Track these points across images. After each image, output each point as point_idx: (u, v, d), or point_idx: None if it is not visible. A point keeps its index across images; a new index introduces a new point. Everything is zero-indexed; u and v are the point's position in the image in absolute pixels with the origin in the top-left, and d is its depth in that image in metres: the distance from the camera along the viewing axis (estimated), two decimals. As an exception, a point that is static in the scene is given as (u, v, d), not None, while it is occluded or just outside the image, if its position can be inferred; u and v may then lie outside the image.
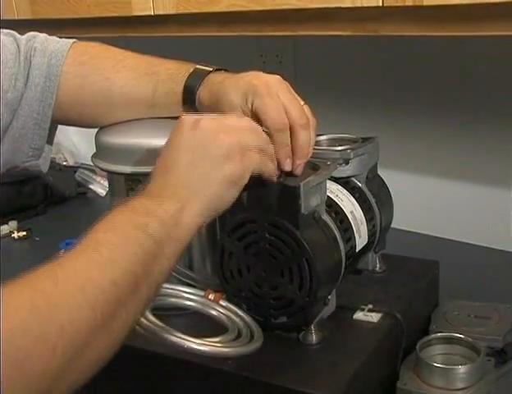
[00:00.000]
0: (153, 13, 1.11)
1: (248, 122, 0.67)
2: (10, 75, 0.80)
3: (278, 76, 0.74)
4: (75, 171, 1.67)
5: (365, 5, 0.86)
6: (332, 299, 0.79)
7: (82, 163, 1.76)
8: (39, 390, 0.48)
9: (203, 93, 0.78)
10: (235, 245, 0.76)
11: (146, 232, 0.57)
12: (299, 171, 0.72)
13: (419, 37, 0.86)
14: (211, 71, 0.78)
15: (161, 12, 1.10)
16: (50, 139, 0.87)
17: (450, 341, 0.81)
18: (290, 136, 0.71)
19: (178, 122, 0.66)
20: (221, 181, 0.63)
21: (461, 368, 0.76)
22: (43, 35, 0.86)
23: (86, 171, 1.67)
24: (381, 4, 0.84)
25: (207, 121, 0.65)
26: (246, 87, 0.72)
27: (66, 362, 0.49)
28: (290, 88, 0.73)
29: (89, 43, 0.87)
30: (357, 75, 1.29)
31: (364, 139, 0.87)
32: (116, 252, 0.55)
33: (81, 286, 0.52)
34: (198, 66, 0.79)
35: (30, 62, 0.82)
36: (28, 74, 0.81)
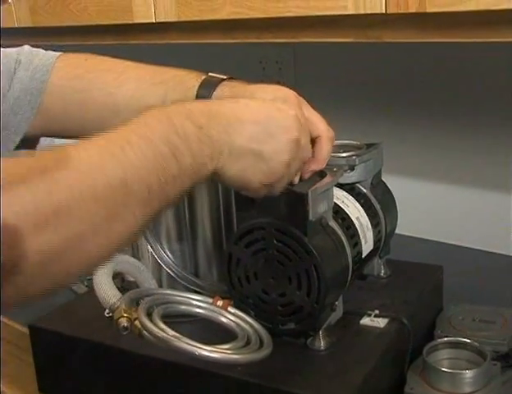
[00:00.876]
0: (154, 21, 1.12)
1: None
2: None
3: (293, 92, 0.73)
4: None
5: (368, 12, 0.86)
6: (339, 305, 0.79)
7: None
8: (32, 264, 0.48)
9: (218, 97, 0.75)
10: (242, 252, 0.76)
11: (174, 155, 0.56)
12: (307, 176, 0.73)
13: (421, 43, 0.87)
14: (224, 79, 0.76)
15: (162, 20, 1.10)
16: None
17: (456, 345, 0.82)
18: (316, 146, 0.72)
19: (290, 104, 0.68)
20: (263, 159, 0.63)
21: (468, 373, 0.76)
22: (27, 48, 0.83)
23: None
24: (384, 11, 0.85)
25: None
26: (276, 94, 0.72)
27: (59, 243, 0.49)
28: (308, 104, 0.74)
29: (79, 55, 0.83)
30: (357, 82, 1.30)
31: (368, 146, 0.88)
32: (137, 157, 0.53)
33: (89, 174, 0.51)
34: (210, 74, 0.77)
35: (12, 78, 0.79)
36: (10, 86, 0.78)
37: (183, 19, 1.08)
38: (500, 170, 1.16)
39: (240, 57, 1.35)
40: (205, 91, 0.75)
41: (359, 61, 1.27)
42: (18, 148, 0.81)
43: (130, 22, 1.14)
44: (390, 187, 0.93)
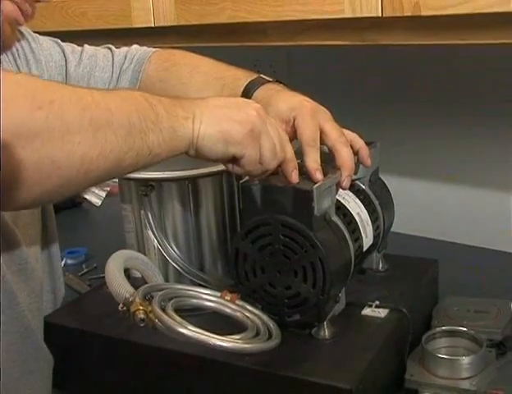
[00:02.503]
0: (153, 25, 1.14)
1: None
2: (105, 79, 0.97)
3: (324, 108, 0.82)
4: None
5: (365, 15, 0.90)
6: (342, 296, 0.83)
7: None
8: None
9: (257, 94, 0.86)
10: (249, 247, 0.79)
11: (151, 105, 0.64)
12: (345, 184, 0.79)
13: (417, 45, 0.90)
14: (270, 81, 0.88)
15: (162, 24, 1.13)
16: None
17: (453, 334, 0.85)
18: (335, 154, 0.79)
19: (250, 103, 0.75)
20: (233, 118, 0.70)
21: (465, 359, 0.80)
22: (134, 47, 1.02)
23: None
24: (380, 15, 0.88)
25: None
26: (296, 104, 0.81)
27: (47, 128, 0.55)
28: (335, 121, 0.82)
29: (171, 51, 1.01)
30: (351, 83, 1.33)
31: (366, 144, 0.91)
32: (119, 97, 0.63)
33: (79, 89, 0.61)
34: (261, 75, 0.89)
35: (120, 69, 0.98)
36: (118, 78, 0.97)
37: (182, 23, 1.11)
38: (498, 167, 1.19)
39: (234, 61, 1.37)
40: (250, 88, 0.87)
41: (353, 63, 1.30)
42: None
43: (130, 27, 1.17)
44: (388, 185, 0.96)
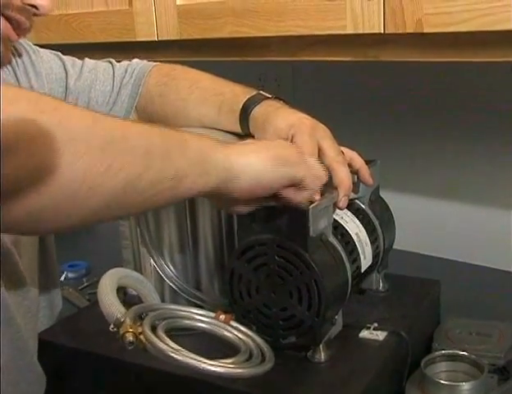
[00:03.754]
0: (156, 39, 1.14)
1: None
2: (106, 92, 0.96)
3: (324, 126, 0.81)
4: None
5: (367, 32, 0.88)
6: (339, 318, 0.81)
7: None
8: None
9: (256, 112, 0.84)
10: (244, 267, 0.78)
11: (179, 132, 0.64)
12: (342, 204, 0.77)
13: (419, 62, 0.89)
14: (269, 98, 0.86)
15: (165, 38, 1.12)
16: None
17: (453, 358, 0.83)
18: (332, 173, 0.77)
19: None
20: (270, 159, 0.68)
21: (466, 385, 0.78)
22: (135, 61, 1.01)
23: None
24: (382, 31, 0.87)
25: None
26: (295, 121, 0.79)
27: (48, 132, 0.51)
28: (334, 141, 0.80)
29: (172, 66, 0.99)
30: (355, 100, 1.32)
31: (366, 162, 0.90)
32: (143, 127, 0.60)
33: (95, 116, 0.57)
34: (260, 92, 0.87)
35: (121, 83, 0.97)
36: (118, 92, 0.96)
37: (185, 37, 1.10)
38: (500, 185, 1.18)
39: (239, 75, 1.36)
40: (249, 105, 0.85)
41: (357, 79, 1.29)
42: None
43: (133, 40, 1.17)
44: (388, 203, 0.95)
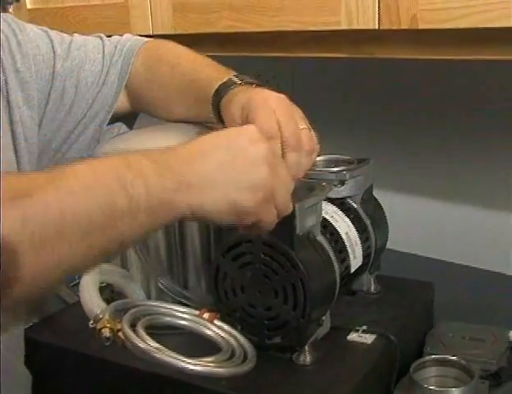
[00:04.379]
0: (151, 33, 1.12)
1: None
2: (95, 73, 0.89)
3: (286, 99, 0.73)
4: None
5: (361, 27, 0.87)
6: (326, 320, 0.79)
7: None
8: None
9: (224, 103, 0.78)
10: (229, 265, 0.76)
11: (126, 189, 0.54)
12: None
13: (417, 60, 0.87)
14: (239, 84, 0.78)
15: (160, 32, 1.11)
16: (130, 127, 0.95)
17: (443, 363, 0.81)
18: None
19: (244, 130, 0.64)
20: (241, 188, 0.60)
21: (455, 391, 0.76)
22: (125, 37, 0.95)
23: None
24: (377, 27, 0.85)
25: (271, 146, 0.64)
26: (244, 101, 0.72)
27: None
28: (295, 111, 0.72)
29: (158, 45, 0.94)
30: (355, 97, 1.30)
31: (360, 161, 0.88)
32: (80, 189, 0.53)
33: (39, 201, 0.51)
34: (231, 77, 0.80)
35: (110, 61, 0.91)
36: (108, 72, 0.90)
37: (179, 32, 1.09)
38: (497, 186, 1.16)
39: (238, 71, 1.35)
40: (220, 93, 0.78)
41: (356, 77, 1.27)
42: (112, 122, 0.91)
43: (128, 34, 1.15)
44: (384, 202, 0.93)
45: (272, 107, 0.70)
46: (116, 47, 0.93)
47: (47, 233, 0.51)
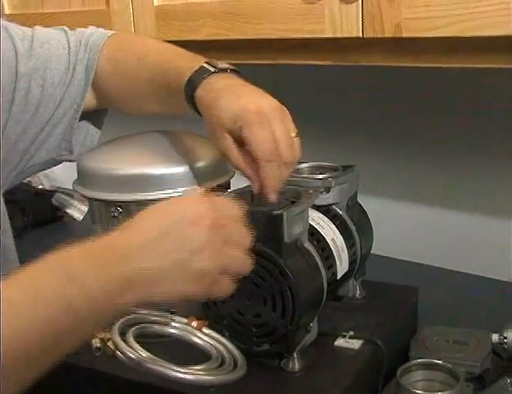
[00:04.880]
0: (134, 40, 1.12)
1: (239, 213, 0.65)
2: (61, 72, 0.85)
3: (277, 104, 0.73)
4: (52, 196, 1.65)
5: (345, 36, 0.88)
6: (314, 326, 0.80)
7: (58, 187, 1.75)
8: None
9: (200, 93, 0.76)
10: (218, 273, 0.76)
11: (69, 308, 0.52)
12: (270, 191, 0.72)
13: (398, 67, 0.88)
14: (213, 72, 0.77)
15: (142, 39, 1.11)
16: (100, 125, 0.92)
17: (429, 367, 0.82)
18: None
19: (183, 211, 0.62)
20: (185, 277, 0.60)
21: (442, 395, 0.77)
22: (89, 30, 0.91)
23: (63, 196, 1.65)
24: (361, 35, 0.86)
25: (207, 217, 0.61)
26: (237, 111, 0.71)
27: None
28: (286, 118, 0.73)
29: (123, 38, 0.92)
30: (337, 103, 1.31)
31: (344, 168, 0.89)
32: (20, 323, 0.51)
33: None
34: (203, 64, 0.78)
35: (76, 57, 0.87)
36: (74, 69, 0.86)
37: (163, 38, 1.09)
38: (480, 189, 1.17)
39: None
40: (192, 86, 0.77)
41: (339, 84, 1.28)
42: (82, 119, 0.89)
43: (110, 41, 1.15)
44: (367, 208, 0.94)
45: (268, 121, 0.70)
46: (80, 42, 0.88)
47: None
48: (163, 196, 0.82)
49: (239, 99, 0.72)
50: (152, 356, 0.66)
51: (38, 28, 0.88)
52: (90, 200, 0.88)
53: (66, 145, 0.88)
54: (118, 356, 0.67)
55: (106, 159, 0.86)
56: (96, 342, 0.66)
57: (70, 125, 0.87)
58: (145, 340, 0.69)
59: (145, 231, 0.59)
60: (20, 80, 0.82)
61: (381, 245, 0.98)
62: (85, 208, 1.63)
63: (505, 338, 0.90)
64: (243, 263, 0.64)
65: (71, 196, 1.65)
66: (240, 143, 0.72)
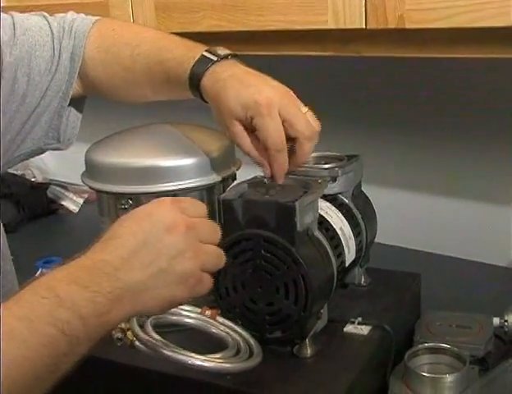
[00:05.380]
0: (133, 32, 1.12)
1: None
2: (47, 59, 0.84)
3: (283, 89, 0.76)
4: (47, 188, 1.65)
5: (348, 27, 0.89)
6: (324, 313, 0.81)
7: (51, 179, 1.75)
8: None
9: (206, 83, 0.78)
10: (230, 262, 0.77)
11: (63, 332, 0.54)
12: (279, 176, 0.75)
13: (401, 57, 0.90)
14: (215, 61, 0.78)
15: (142, 31, 1.11)
16: (80, 109, 0.90)
17: (436, 351, 0.84)
18: (297, 147, 0.74)
19: (156, 217, 0.63)
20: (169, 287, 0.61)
21: (449, 377, 0.79)
22: (70, 15, 0.89)
23: (58, 188, 1.65)
24: (364, 26, 0.87)
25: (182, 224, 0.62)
26: (247, 101, 0.74)
27: None
28: (294, 99, 0.76)
29: (111, 25, 0.90)
30: (333, 94, 1.32)
31: (349, 157, 0.90)
32: (20, 350, 0.52)
33: None
34: (204, 53, 0.79)
35: (60, 45, 0.85)
36: (60, 56, 0.85)
37: (163, 31, 1.09)
38: (484, 178, 1.19)
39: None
40: (196, 76, 0.78)
41: (335, 74, 1.29)
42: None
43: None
44: (369, 197, 0.95)
45: (278, 110, 0.73)
46: (63, 28, 0.86)
47: None
48: (173, 188, 0.83)
49: (248, 89, 0.74)
50: (171, 344, 0.67)
51: (15, 14, 0.85)
52: (99, 193, 0.89)
53: (54, 134, 0.87)
54: (137, 346, 0.68)
55: (115, 152, 0.86)
56: (117, 333, 0.66)
57: (57, 114, 0.86)
58: (161, 330, 0.70)
59: (124, 246, 0.60)
60: (6, 70, 0.80)
61: (383, 234, 0.99)
62: (81, 201, 1.64)
63: (506, 322, 0.92)
64: (218, 257, 0.66)
65: (66, 188, 1.65)
66: (249, 129, 0.75)
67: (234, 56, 0.81)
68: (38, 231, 1.56)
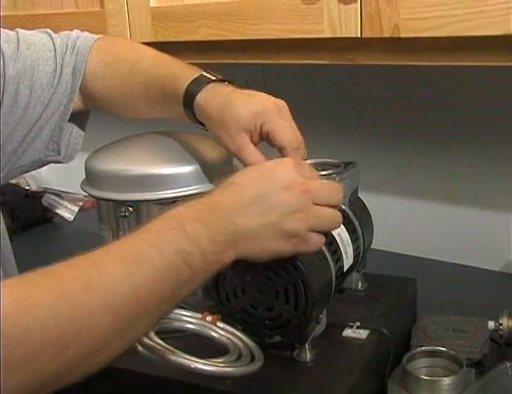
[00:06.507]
0: (130, 41, 1.13)
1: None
2: (49, 74, 0.86)
3: (283, 101, 0.78)
4: (42, 197, 1.66)
5: (344, 36, 0.90)
6: (323, 317, 0.82)
7: (46, 188, 1.75)
8: (46, 382, 0.52)
9: (204, 98, 0.79)
10: (230, 268, 0.78)
11: (186, 262, 0.60)
12: None
13: (396, 65, 0.91)
14: (213, 80, 0.80)
15: (138, 40, 1.12)
16: (83, 127, 0.93)
17: (433, 354, 0.85)
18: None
19: (276, 176, 0.68)
20: (277, 237, 0.67)
21: (446, 380, 0.80)
22: (75, 33, 0.92)
23: (53, 196, 1.66)
24: (359, 35, 0.88)
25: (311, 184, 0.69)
26: (257, 107, 0.75)
27: (76, 361, 0.53)
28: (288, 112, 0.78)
29: (113, 42, 0.93)
30: (325, 101, 1.33)
31: (346, 164, 0.91)
32: (150, 272, 0.58)
33: (107, 294, 0.55)
34: (203, 73, 0.81)
35: (63, 60, 0.88)
36: (61, 71, 0.87)
37: (159, 39, 1.10)
38: (476, 182, 1.20)
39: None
40: (192, 92, 0.79)
41: (330, 81, 1.30)
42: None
43: (106, 42, 1.15)
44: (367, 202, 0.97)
45: (285, 114, 0.76)
46: (67, 44, 0.89)
47: (130, 318, 0.57)
48: (172, 195, 0.84)
49: (255, 97, 0.77)
50: (173, 349, 0.68)
51: (21, 30, 0.88)
52: (98, 201, 0.89)
53: (54, 146, 0.89)
54: (140, 351, 0.69)
55: (115, 159, 0.87)
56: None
57: (58, 127, 0.88)
58: (163, 336, 0.71)
59: (243, 193, 0.66)
60: (9, 83, 0.83)
61: (379, 240, 1.00)
62: (76, 209, 1.64)
63: (501, 325, 0.94)
64: (330, 219, 0.71)
65: (61, 197, 1.66)
66: (253, 143, 0.77)
67: (231, 82, 0.82)
68: (33, 239, 1.56)
